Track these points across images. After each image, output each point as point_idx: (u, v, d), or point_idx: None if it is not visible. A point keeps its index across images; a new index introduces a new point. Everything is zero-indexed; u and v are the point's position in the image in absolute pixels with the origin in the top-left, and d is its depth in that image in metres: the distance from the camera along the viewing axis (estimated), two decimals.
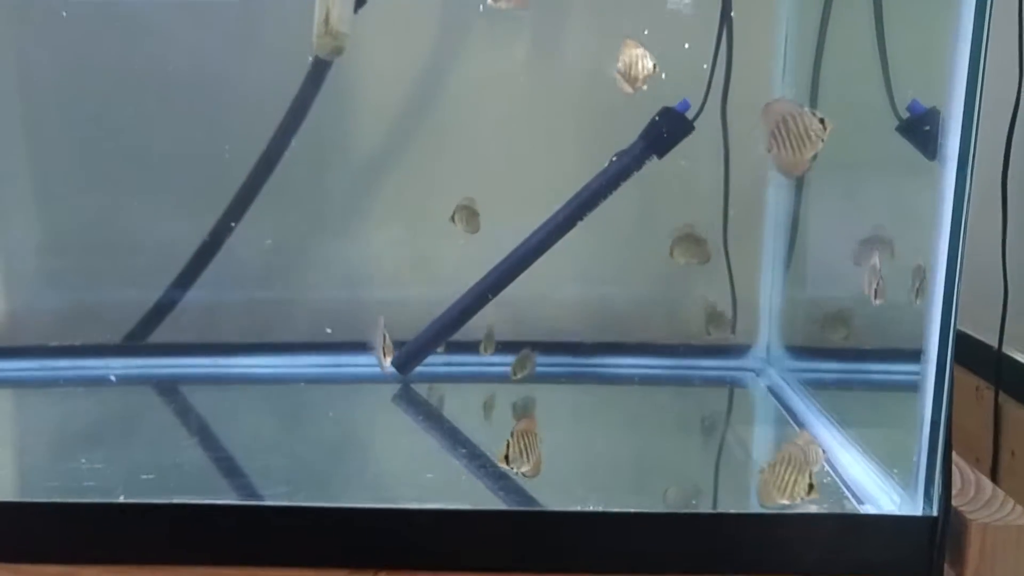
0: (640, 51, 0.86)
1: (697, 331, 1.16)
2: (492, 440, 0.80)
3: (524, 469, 0.78)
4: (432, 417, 1.11)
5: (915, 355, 0.76)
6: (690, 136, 1.03)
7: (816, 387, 1.05)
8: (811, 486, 0.76)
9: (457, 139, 1.17)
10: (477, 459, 0.93)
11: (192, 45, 1.12)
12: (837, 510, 0.80)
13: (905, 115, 0.84)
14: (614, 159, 1.03)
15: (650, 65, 0.86)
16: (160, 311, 1.17)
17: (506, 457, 0.78)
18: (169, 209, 1.16)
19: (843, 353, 1.03)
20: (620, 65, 0.87)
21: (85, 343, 1.18)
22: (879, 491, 0.83)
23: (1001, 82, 1.08)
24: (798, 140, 0.73)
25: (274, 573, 0.77)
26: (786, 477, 0.76)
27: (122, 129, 1.16)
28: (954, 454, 0.77)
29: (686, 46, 1.01)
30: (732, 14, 1.02)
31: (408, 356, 1.10)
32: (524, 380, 1.11)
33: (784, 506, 0.77)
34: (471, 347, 1.12)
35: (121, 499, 0.81)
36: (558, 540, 0.78)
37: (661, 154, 1.03)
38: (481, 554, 0.78)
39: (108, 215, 1.18)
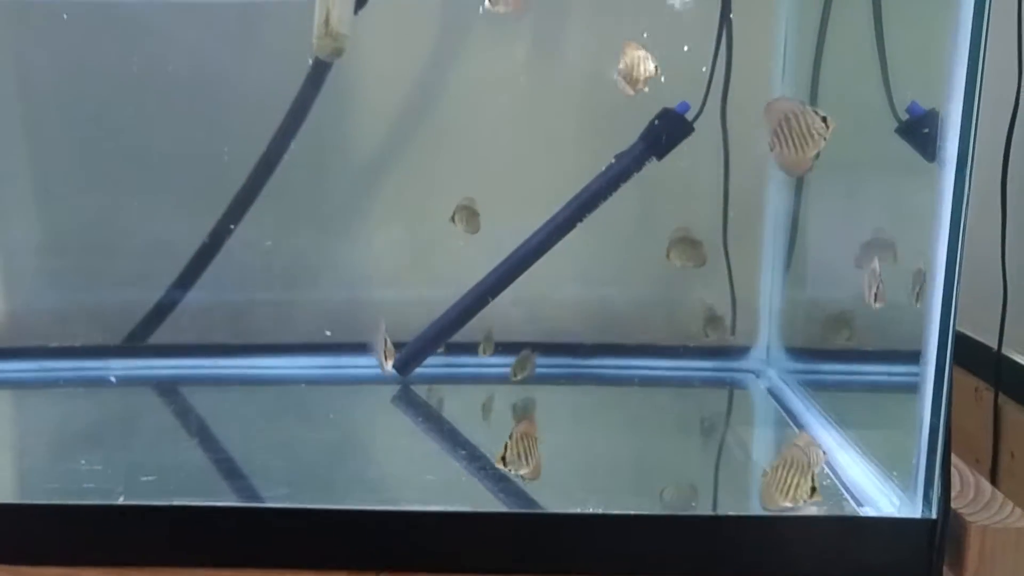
0: (641, 53, 0.86)
1: (697, 332, 1.16)
2: (492, 441, 0.80)
3: (522, 472, 0.78)
4: (432, 418, 1.11)
5: (915, 356, 0.76)
6: (689, 137, 1.03)
7: (816, 388, 1.05)
8: (813, 489, 0.76)
9: (457, 140, 1.17)
10: (477, 461, 0.93)
11: (192, 46, 1.12)
12: (836, 512, 0.80)
13: (904, 117, 0.84)
14: (613, 161, 1.03)
15: (651, 67, 0.86)
16: (160, 312, 1.17)
17: (503, 458, 0.78)
18: (169, 210, 1.16)
19: (843, 354, 1.03)
20: (621, 67, 0.87)
21: (85, 344, 1.18)
22: (878, 493, 0.83)
23: (1001, 83, 1.08)
24: (800, 139, 0.73)
25: (274, 575, 0.78)
26: (788, 480, 0.76)
27: (122, 130, 1.16)
28: (953, 456, 0.77)
29: (685, 48, 1.01)
30: (731, 16, 1.02)
31: (408, 357, 1.10)
32: (524, 381, 1.11)
33: (786, 509, 0.77)
34: (471, 348, 1.12)
35: (121, 501, 0.81)
36: (558, 542, 0.78)
37: (661, 156, 1.03)
38: (481, 556, 0.78)
39: (108, 216, 1.18)
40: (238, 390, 1.18)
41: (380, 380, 1.07)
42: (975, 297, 0.81)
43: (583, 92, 1.14)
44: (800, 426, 1.01)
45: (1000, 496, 0.79)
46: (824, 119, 0.73)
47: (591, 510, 0.78)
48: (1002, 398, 1.15)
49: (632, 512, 0.78)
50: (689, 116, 1.03)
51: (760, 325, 1.18)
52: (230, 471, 0.93)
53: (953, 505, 0.76)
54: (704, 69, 1.03)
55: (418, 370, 1.12)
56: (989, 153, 1.10)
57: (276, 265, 1.19)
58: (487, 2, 0.84)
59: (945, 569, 0.76)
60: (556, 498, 0.83)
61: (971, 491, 0.80)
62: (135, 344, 1.18)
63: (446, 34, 1.15)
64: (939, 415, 0.75)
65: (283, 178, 1.11)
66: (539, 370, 1.12)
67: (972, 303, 0.79)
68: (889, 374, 0.91)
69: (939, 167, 0.73)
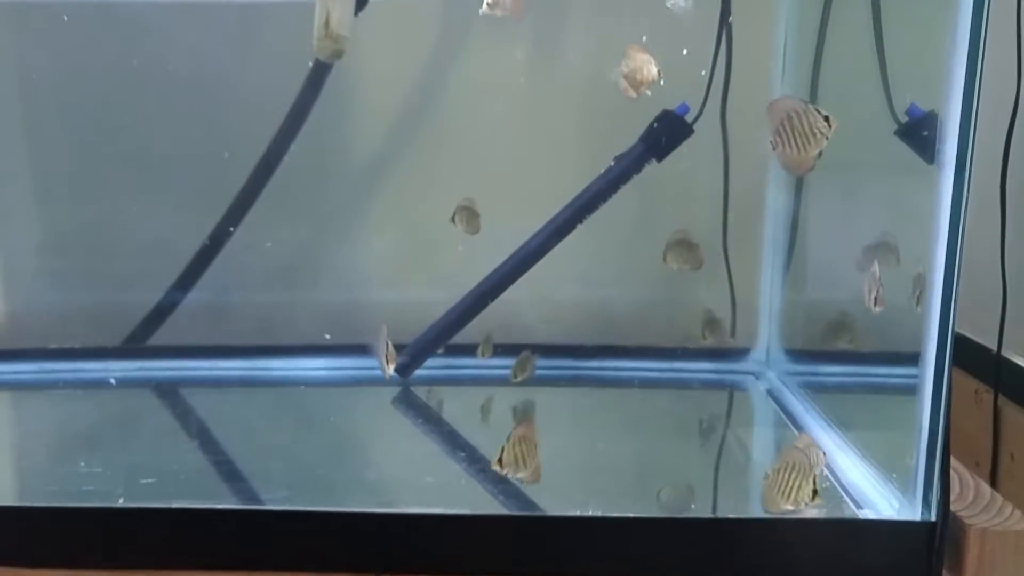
0: (645, 56, 0.87)
1: (696, 334, 1.16)
2: (491, 444, 0.80)
3: (520, 475, 0.78)
4: (432, 420, 1.11)
5: (914, 358, 0.76)
6: (689, 139, 1.03)
7: (815, 390, 1.05)
8: (815, 492, 0.76)
9: (457, 141, 1.17)
10: (477, 463, 0.93)
11: (192, 47, 1.12)
12: (836, 515, 0.80)
13: (904, 119, 0.84)
14: (613, 164, 1.03)
15: (654, 71, 0.87)
16: (160, 313, 1.17)
17: (500, 461, 0.78)
18: (169, 211, 1.16)
19: (843, 356, 1.03)
20: (626, 70, 0.87)
21: (85, 345, 1.18)
22: (878, 495, 0.83)
23: (1000, 85, 1.08)
24: (803, 138, 0.73)
25: None
26: (790, 482, 0.76)
27: (122, 130, 1.16)
28: (953, 458, 0.77)
29: (684, 52, 1.01)
30: (731, 20, 1.02)
31: (408, 359, 1.10)
32: (524, 383, 1.11)
33: (788, 511, 0.77)
34: (471, 350, 1.12)
35: (121, 503, 0.81)
36: (558, 545, 0.78)
37: (660, 157, 1.03)
38: (480, 558, 0.78)
39: (108, 217, 1.18)
40: (238, 392, 1.18)
41: (380, 382, 1.07)
42: (975, 299, 0.81)
43: (583, 93, 1.14)
44: (800, 428, 1.01)
45: (999, 499, 0.79)
46: (827, 118, 0.73)
47: (591, 513, 0.78)
48: (1002, 400, 1.15)
49: (632, 515, 0.78)
50: (689, 118, 1.03)
51: (760, 327, 1.18)
52: (230, 473, 0.93)
53: (953, 507, 0.76)
54: (704, 73, 1.03)
55: (418, 372, 1.12)
56: (988, 155, 1.09)
57: (276, 266, 1.20)
58: (484, 6, 0.84)
59: (944, 572, 0.76)
60: (556, 500, 0.83)
61: (971, 493, 0.80)
62: (135, 346, 1.18)
63: (446, 35, 1.15)
64: (938, 417, 0.75)
65: (283, 179, 1.11)
66: (539, 372, 1.12)
67: (972, 305, 0.78)
68: (889, 376, 0.91)
69: (938, 169, 0.73)
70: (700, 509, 0.88)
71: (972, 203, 0.72)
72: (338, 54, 0.84)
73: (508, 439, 0.78)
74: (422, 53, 1.15)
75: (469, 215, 1.03)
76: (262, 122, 1.10)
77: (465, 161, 1.15)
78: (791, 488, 0.76)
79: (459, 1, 1.12)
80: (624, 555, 0.77)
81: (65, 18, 1.10)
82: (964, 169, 0.72)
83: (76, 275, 1.20)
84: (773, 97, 1.11)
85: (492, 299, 1.09)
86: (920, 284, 0.76)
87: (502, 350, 1.11)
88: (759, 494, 0.81)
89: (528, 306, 1.15)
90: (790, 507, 0.77)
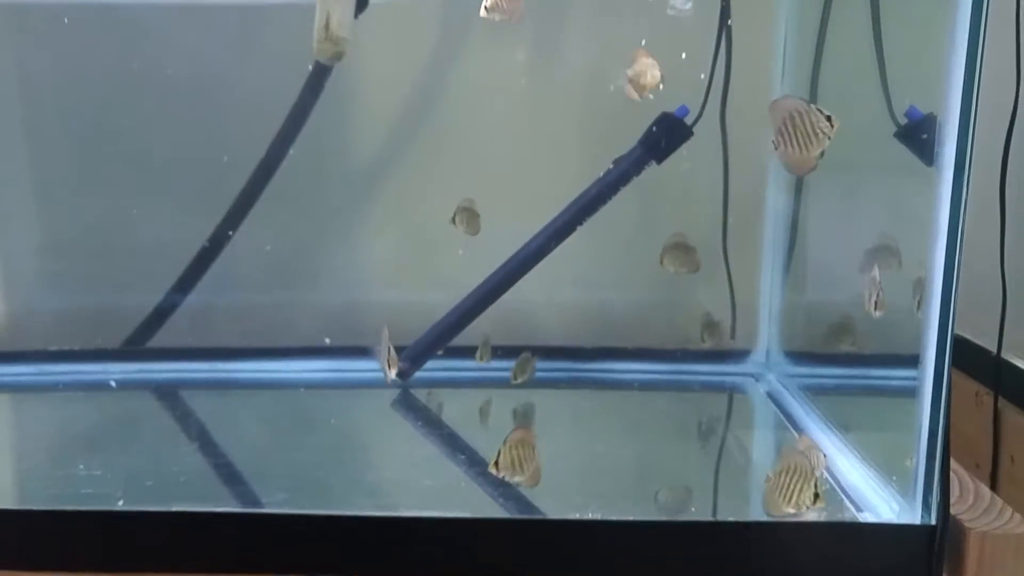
0: (650, 61, 0.88)
1: (696, 337, 1.16)
2: (491, 446, 0.80)
3: (517, 479, 0.78)
4: (431, 423, 1.11)
5: (914, 360, 0.76)
6: (689, 141, 1.03)
7: (815, 392, 1.05)
8: (816, 495, 0.76)
9: (457, 144, 1.17)
10: (476, 466, 0.93)
11: (192, 50, 1.12)
12: (835, 518, 0.80)
13: (903, 121, 0.84)
14: (612, 167, 1.03)
15: (658, 75, 0.87)
16: (160, 315, 1.17)
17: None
18: (169, 213, 1.16)
19: (843, 359, 1.03)
20: (630, 72, 0.88)
21: (84, 347, 1.18)
22: (878, 498, 0.83)
23: (999, 87, 1.08)
24: (805, 137, 0.73)
25: None
26: (791, 486, 0.76)
27: (122, 133, 1.16)
28: (953, 461, 0.77)
29: (683, 56, 1.01)
30: (730, 22, 1.02)
31: (408, 361, 1.10)
32: (524, 385, 1.11)
33: (790, 515, 0.77)
34: (471, 352, 1.12)
35: (120, 506, 0.81)
36: (557, 548, 0.78)
37: (660, 159, 1.03)
38: (480, 561, 0.78)
39: (108, 218, 1.18)
40: (238, 394, 1.18)
41: (380, 384, 1.06)
42: (974, 301, 0.81)
43: (583, 95, 1.14)
44: (799, 430, 1.01)
45: (999, 502, 0.79)
46: (829, 118, 0.73)
47: (591, 516, 0.78)
48: (1002, 402, 1.15)
49: (632, 518, 0.78)
50: (688, 120, 1.03)
51: (760, 329, 1.18)
52: (229, 476, 0.93)
53: (952, 511, 0.76)
54: (703, 76, 1.04)
55: (418, 374, 1.12)
56: (988, 157, 1.09)
57: (276, 268, 1.19)
58: (483, 10, 0.85)
59: (944, 575, 0.76)
60: (555, 503, 0.83)
61: (970, 496, 0.80)
62: (134, 348, 1.18)
63: (446, 37, 1.15)
64: (938, 419, 0.75)
65: (283, 181, 1.11)
66: (539, 374, 1.12)
67: (971, 307, 0.79)
68: (888, 378, 0.91)
69: (937, 171, 0.73)
70: (700, 512, 0.88)
71: (971, 205, 0.72)
72: (338, 56, 0.85)
73: (505, 442, 0.78)
74: (422, 55, 1.15)
75: (469, 216, 1.03)
76: (262, 124, 1.10)
77: (465, 163, 1.15)
78: (793, 491, 0.76)
79: (459, 3, 1.12)
80: (624, 559, 0.77)
81: (66, 20, 1.10)
82: (963, 171, 0.71)
83: (76, 277, 1.20)
84: (772, 99, 1.11)
85: (492, 301, 1.09)
86: (920, 289, 0.75)
87: (501, 352, 1.11)
88: (759, 497, 0.81)
89: (527, 308, 1.15)
90: (792, 510, 0.76)
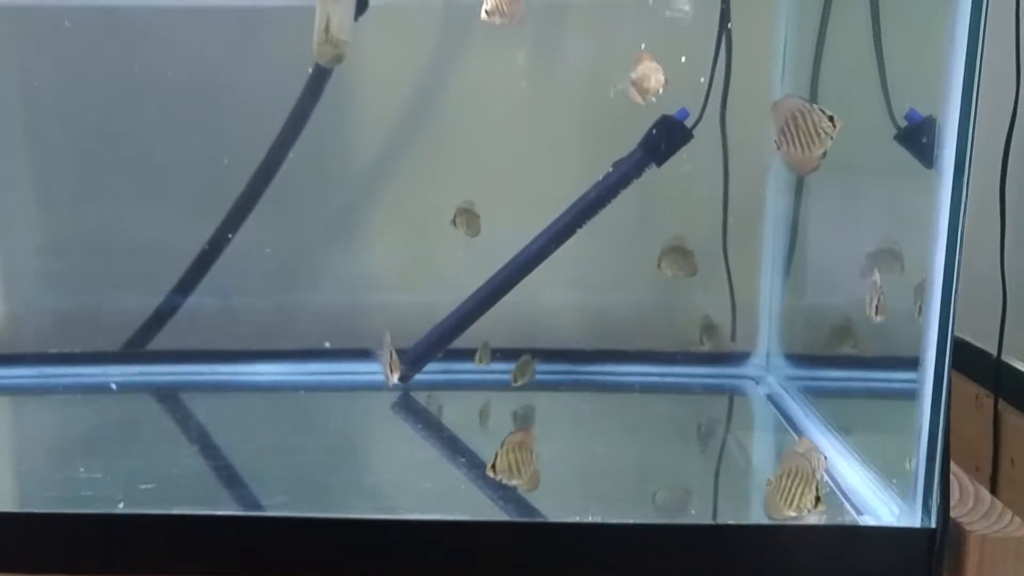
0: (654, 65, 0.88)
1: (696, 339, 1.16)
2: (491, 449, 0.80)
3: (515, 482, 0.78)
4: (431, 425, 1.11)
5: (914, 363, 0.76)
6: (689, 144, 1.03)
7: (815, 395, 1.05)
8: (818, 499, 0.76)
9: (457, 146, 1.17)
10: (476, 468, 0.93)
11: (192, 52, 1.12)
12: (835, 521, 0.80)
13: (903, 123, 0.84)
14: (612, 170, 1.04)
15: (663, 80, 0.88)
16: (160, 318, 1.17)
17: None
18: (169, 215, 1.17)
19: (843, 361, 1.03)
20: (634, 75, 0.88)
21: (84, 350, 1.18)
22: (878, 501, 0.83)
23: (999, 88, 1.08)
24: (807, 137, 0.73)
25: None
26: (792, 489, 0.76)
27: (123, 135, 1.16)
28: (953, 464, 0.77)
29: (683, 60, 1.01)
30: (730, 25, 1.02)
31: (408, 363, 1.10)
32: (524, 387, 1.11)
33: (791, 518, 0.77)
34: (471, 354, 1.11)
35: (120, 508, 0.81)
36: (557, 551, 0.78)
37: (660, 162, 1.03)
38: (479, 564, 0.78)
39: (109, 221, 1.18)
40: (238, 396, 1.18)
41: (380, 387, 1.06)
42: (974, 303, 0.81)
43: (582, 98, 1.14)
44: (799, 433, 1.01)
45: (999, 505, 0.79)
46: (831, 118, 0.73)
47: (590, 519, 0.78)
48: (1002, 405, 1.15)
49: (632, 521, 0.77)
50: (688, 122, 1.03)
51: (760, 331, 1.18)
52: (229, 479, 0.93)
53: (952, 514, 0.76)
54: (702, 80, 1.04)
55: (418, 376, 1.12)
56: (988, 158, 1.09)
57: (276, 270, 1.20)
58: (484, 13, 0.85)
59: None
60: (555, 506, 0.83)
61: (970, 499, 0.80)
62: (134, 350, 1.18)
63: (446, 40, 1.15)
64: (938, 422, 0.75)
65: (283, 184, 1.11)
66: (539, 376, 1.12)
67: (971, 309, 0.78)
68: (888, 381, 0.91)
69: (937, 173, 0.73)
70: (700, 514, 0.88)
71: (971, 207, 0.72)
72: (338, 59, 0.85)
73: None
74: (422, 57, 1.15)
75: (470, 218, 1.03)
76: (262, 127, 1.10)
77: (465, 165, 1.15)
78: (794, 495, 0.76)
79: (459, 5, 1.12)
80: (625, 562, 0.77)
81: (67, 23, 1.10)
82: (963, 173, 0.71)
83: (76, 279, 1.20)
84: (774, 100, 1.11)
85: (492, 304, 1.09)
86: (921, 294, 0.75)
87: (501, 355, 1.11)
88: (759, 499, 0.81)
89: (527, 310, 1.15)
90: (793, 513, 0.76)
